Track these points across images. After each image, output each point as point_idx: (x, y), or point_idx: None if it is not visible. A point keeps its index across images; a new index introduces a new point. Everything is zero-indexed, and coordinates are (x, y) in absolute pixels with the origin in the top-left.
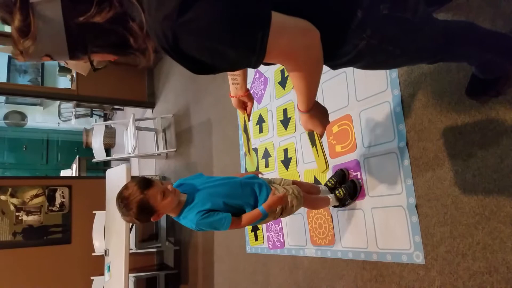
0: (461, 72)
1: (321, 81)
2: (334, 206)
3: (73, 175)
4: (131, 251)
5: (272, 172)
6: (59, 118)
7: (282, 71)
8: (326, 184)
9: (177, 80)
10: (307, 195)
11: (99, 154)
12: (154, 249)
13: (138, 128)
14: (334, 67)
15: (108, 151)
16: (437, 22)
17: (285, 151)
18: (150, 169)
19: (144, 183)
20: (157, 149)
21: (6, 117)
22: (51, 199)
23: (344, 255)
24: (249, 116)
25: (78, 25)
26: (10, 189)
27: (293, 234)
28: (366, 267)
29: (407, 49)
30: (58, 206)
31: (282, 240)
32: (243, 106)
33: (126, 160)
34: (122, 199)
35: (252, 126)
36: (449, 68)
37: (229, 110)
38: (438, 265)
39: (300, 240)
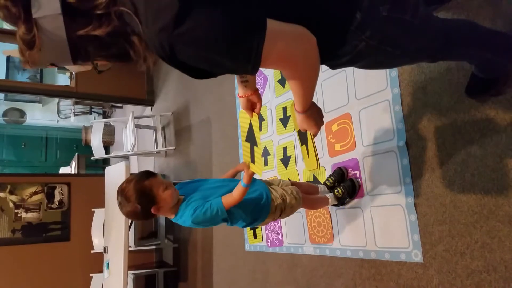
0: (461, 71)
1: (320, 80)
2: (333, 205)
3: (72, 172)
4: (130, 249)
5: (272, 170)
6: (58, 115)
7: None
8: (324, 183)
9: (176, 78)
10: (306, 195)
11: (98, 151)
12: (153, 247)
13: (137, 126)
14: (333, 67)
15: (107, 149)
16: (437, 21)
17: (284, 149)
18: (149, 167)
19: (147, 172)
20: (156, 147)
21: (5, 114)
22: (50, 196)
23: (342, 253)
24: (257, 114)
25: (80, 37)
26: (9, 186)
27: (292, 232)
28: (364, 265)
29: (407, 50)
30: (57, 204)
31: (281, 238)
32: (252, 107)
33: (125, 157)
34: (123, 189)
35: None
36: (449, 67)
37: (228, 109)
38: (436, 263)
39: (298, 238)
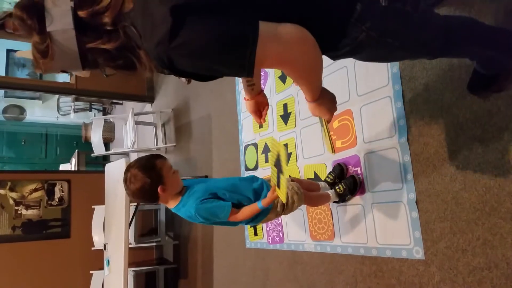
0: (462, 67)
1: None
2: (334, 202)
3: (72, 169)
4: (130, 246)
5: None
6: (58, 112)
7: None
8: (325, 180)
9: None
10: (307, 192)
11: (98, 148)
12: (154, 244)
13: (137, 123)
14: (334, 58)
15: (107, 146)
16: (438, 17)
17: (285, 146)
18: None
19: (158, 155)
20: (156, 144)
21: (4, 111)
22: (50, 193)
23: (343, 250)
24: (263, 120)
25: (90, 49)
26: (9, 183)
27: (293, 229)
28: (365, 262)
29: (407, 42)
30: (57, 200)
31: (281, 235)
32: (259, 110)
33: (125, 154)
34: (133, 165)
35: (252, 121)
36: (450, 64)
37: (229, 105)
38: (437, 260)
39: (299, 235)
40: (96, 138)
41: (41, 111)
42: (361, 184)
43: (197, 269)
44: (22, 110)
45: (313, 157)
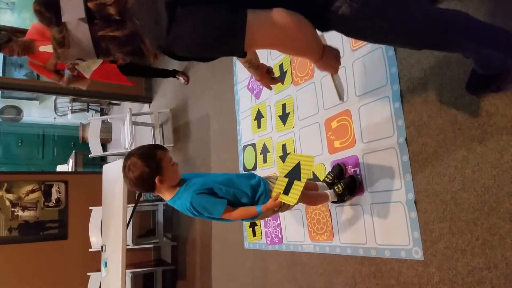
0: (461, 67)
1: (320, 76)
2: (333, 202)
3: (70, 170)
4: (128, 247)
5: (271, 167)
6: (55, 112)
7: (281, 66)
8: (324, 180)
9: None
10: (305, 190)
11: (95, 149)
12: (152, 245)
13: (135, 123)
14: (323, 29)
15: (104, 146)
16: (431, 7)
17: (284, 146)
18: None
19: (159, 145)
20: None
21: (1, 111)
22: (47, 194)
23: (342, 251)
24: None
25: (101, 36)
26: (5, 185)
27: (292, 230)
28: (364, 262)
29: (392, 22)
30: (54, 202)
31: (280, 236)
32: (270, 81)
33: (123, 155)
34: (133, 153)
35: (250, 121)
36: (449, 63)
37: (227, 105)
38: (437, 261)
39: (298, 236)
40: (93, 139)
41: (38, 112)
42: (360, 185)
43: (196, 270)
44: (19, 110)
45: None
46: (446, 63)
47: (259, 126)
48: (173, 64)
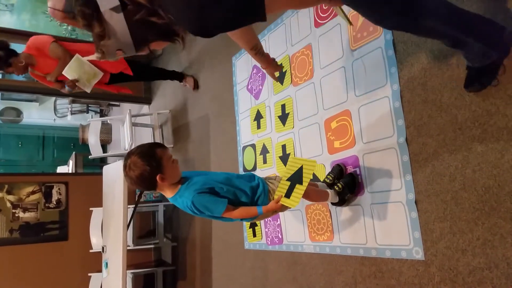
0: (461, 67)
1: (319, 76)
2: (335, 204)
3: (70, 171)
4: (128, 248)
5: (270, 168)
6: (55, 114)
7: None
8: (324, 181)
9: None
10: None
11: (95, 150)
12: (152, 246)
13: (134, 124)
14: None
15: (104, 147)
16: None
17: (283, 147)
18: None
19: (159, 143)
20: None
21: (1, 113)
22: (47, 195)
23: (342, 251)
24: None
25: (136, 21)
26: (6, 186)
27: (292, 230)
28: (365, 263)
29: None
30: (55, 203)
31: (280, 236)
32: (275, 68)
33: (123, 156)
34: (134, 152)
35: (250, 122)
36: (449, 63)
37: (227, 106)
38: (437, 261)
39: (298, 236)
40: (93, 140)
41: (38, 113)
42: (360, 182)
43: (196, 270)
44: (19, 112)
45: (312, 157)
46: (446, 63)
47: (258, 127)
48: (172, 65)
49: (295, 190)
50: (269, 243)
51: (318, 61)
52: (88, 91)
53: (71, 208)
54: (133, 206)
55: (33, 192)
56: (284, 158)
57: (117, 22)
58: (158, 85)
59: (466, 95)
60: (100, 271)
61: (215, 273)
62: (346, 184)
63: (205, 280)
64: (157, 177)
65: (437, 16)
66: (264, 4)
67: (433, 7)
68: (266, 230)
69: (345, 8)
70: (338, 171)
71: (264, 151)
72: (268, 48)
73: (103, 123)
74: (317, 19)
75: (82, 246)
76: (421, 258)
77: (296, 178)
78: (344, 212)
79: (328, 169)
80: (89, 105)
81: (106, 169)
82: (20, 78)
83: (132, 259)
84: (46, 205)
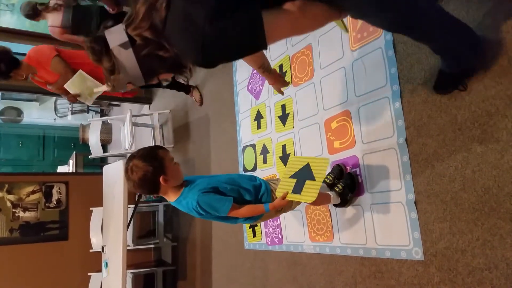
0: None
1: (319, 77)
2: (338, 205)
3: (70, 171)
4: (128, 248)
5: (271, 168)
6: (56, 114)
7: (280, 67)
8: (324, 182)
9: None
10: None
11: (96, 150)
12: (152, 246)
13: (135, 124)
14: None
15: (105, 147)
16: None
17: (284, 147)
18: None
19: (160, 146)
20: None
21: (2, 113)
22: (47, 195)
23: (342, 251)
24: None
25: (145, 56)
26: (6, 186)
27: (292, 230)
28: (365, 263)
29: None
30: (55, 203)
31: (280, 237)
32: (282, 84)
33: (123, 156)
34: (135, 155)
35: (250, 122)
36: None
37: (227, 106)
38: (437, 261)
39: (298, 236)
40: (93, 140)
41: (38, 113)
42: (360, 182)
43: (196, 270)
44: (19, 112)
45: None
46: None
47: (258, 127)
48: None
49: (307, 186)
50: (269, 243)
51: (318, 61)
52: (90, 104)
53: (71, 207)
54: (133, 206)
55: (33, 192)
56: (284, 158)
57: (126, 57)
58: None
59: (466, 96)
60: (100, 271)
61: (215, 273)
62: (346, 185)
63: (205, 280)
64: (160, 179)
65: (431, 25)
66: (265, 36)
67: (429, 18)
68: (266, 230)
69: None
70: (338, 171)
71: (264, 151)
72: (269, 48)
73: (103, 123)
74: None
75: (82, 246)
76: (420, 259)
77: (303, 175)
78: (344, 212)
79: (328, 170)
80: (90, 105)
81: (106, 169)
82: None
83: (132, 259)
84: (46, 204)
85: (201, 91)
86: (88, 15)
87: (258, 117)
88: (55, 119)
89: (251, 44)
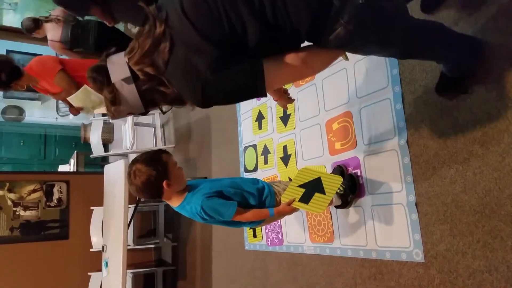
0: None
1: (321, 77)
2: (339, 207)
3: (71, 170)
4: (129, 247)
5: (272, 168)
6: (57, 113)
7: None
8: None
9: None
10: None
11: (97, 149)
12: (152, 245)
13: (136, 124)
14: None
15: (106, 147)
16: (411, 17)
17: (285, 147)
18: None
19: (163, 150)
20: (155, 145)
21: (3, 111)
22: (48, 194)
23: (343, 253)
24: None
25: (145, 90)
26: (7, 184)
27: (292, 231)
28: (365, 264)
29: (380, 37)
30: (56, 202)
31: (280, 237)
32: (287, 101)
33: (124, 155)
34: (138, 159)
35: (251, 122)
36: None
37: (228, 106)
38: (437, 263)
39: (299, 237)
40: (95, 139)
41: (40, 112)
42: (360, 183)
43: (196, 270)
44: (21, 111)
45: (313, 158)
46: None
47: (260, 127)
48: None
49: (316, 198)
50: (269, 244)
51: None
52: (92, 116)
53: (72, 207)
54: (134, 205)
55: (34, 191)
56: (285, 159)
57: (129, 91)
58: None
59: (467, 98)
60: (100, 270)
61: (215, 273)
62: (347, 186)
63: (205, 280)
64: (164, 183)
65: (440, 47)
66: (265, 86)
67: (432, 40)
68: (267, 231)
69: None
70: (339, 172)
71: (266, 151)
72: None
73: (105, 122)
74: None
75: (82, 245)
76: (421, 260)
77: (313, 187)
78: (345, 213)
79: (329, 171)
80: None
81: (107, 168)
82: None
83: (132, 259)
84: (47, 203)
85: None
86: (86, 30)
87: (260, 117)
88: (56, 118)
89: (251, 92)
